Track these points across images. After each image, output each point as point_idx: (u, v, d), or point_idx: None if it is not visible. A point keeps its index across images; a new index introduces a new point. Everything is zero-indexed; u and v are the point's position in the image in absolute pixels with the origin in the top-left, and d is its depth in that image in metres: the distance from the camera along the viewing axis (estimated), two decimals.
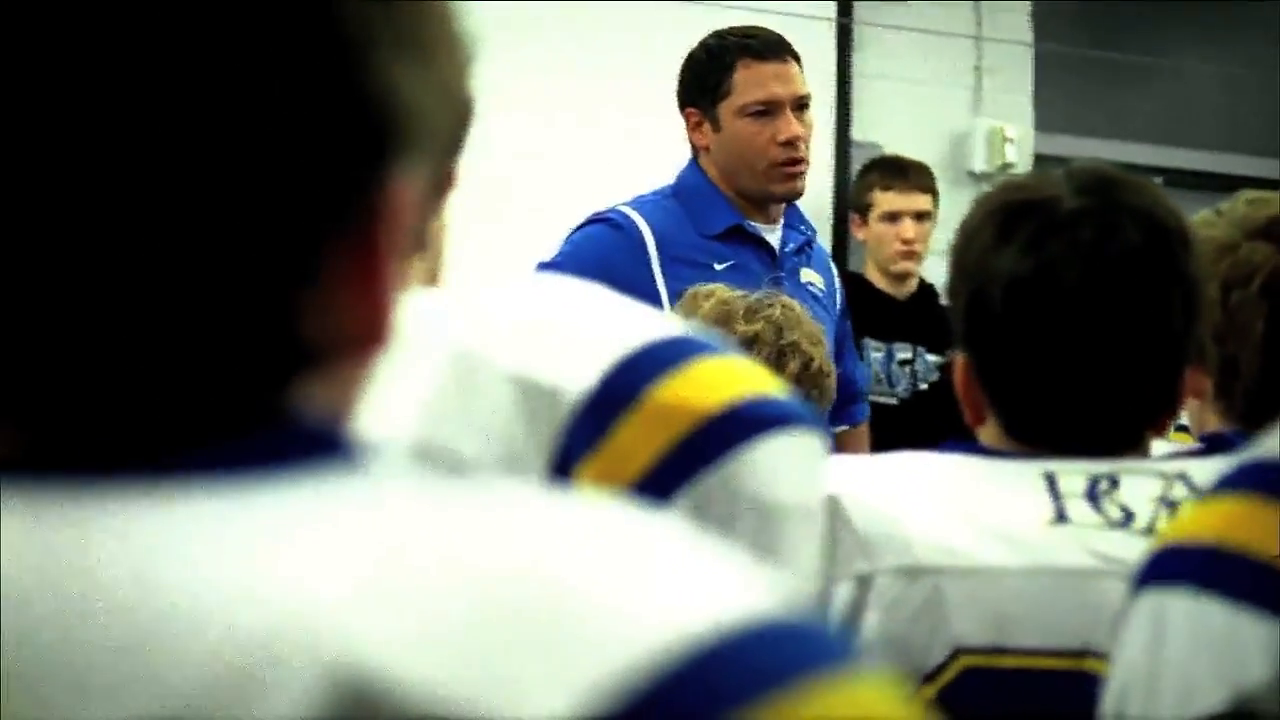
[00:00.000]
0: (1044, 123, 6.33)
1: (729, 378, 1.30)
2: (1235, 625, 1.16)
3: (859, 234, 5.23)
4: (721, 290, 2.88)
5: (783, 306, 2.82)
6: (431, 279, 1.40)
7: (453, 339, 1.28)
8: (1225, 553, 1.19)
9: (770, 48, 3.72)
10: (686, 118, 3.74)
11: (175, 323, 0.66)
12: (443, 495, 0.68)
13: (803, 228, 3.83)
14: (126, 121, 0.65)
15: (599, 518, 0.68)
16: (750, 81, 3.67)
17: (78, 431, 0.66)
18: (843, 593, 1.62)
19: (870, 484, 1.66)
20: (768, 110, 3.67)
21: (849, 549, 1.61)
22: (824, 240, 5.70)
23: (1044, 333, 1.67)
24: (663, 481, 1.25)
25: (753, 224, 3.71)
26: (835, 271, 4.00)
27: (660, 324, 1.33)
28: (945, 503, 1.64)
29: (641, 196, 3.71)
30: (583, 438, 1.24)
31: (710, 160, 3.71)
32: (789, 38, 3.82)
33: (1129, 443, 1.71)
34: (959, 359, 1.76)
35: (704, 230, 3.65)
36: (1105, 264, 1.66)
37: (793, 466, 1.30)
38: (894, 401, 4.96)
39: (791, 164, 3.68)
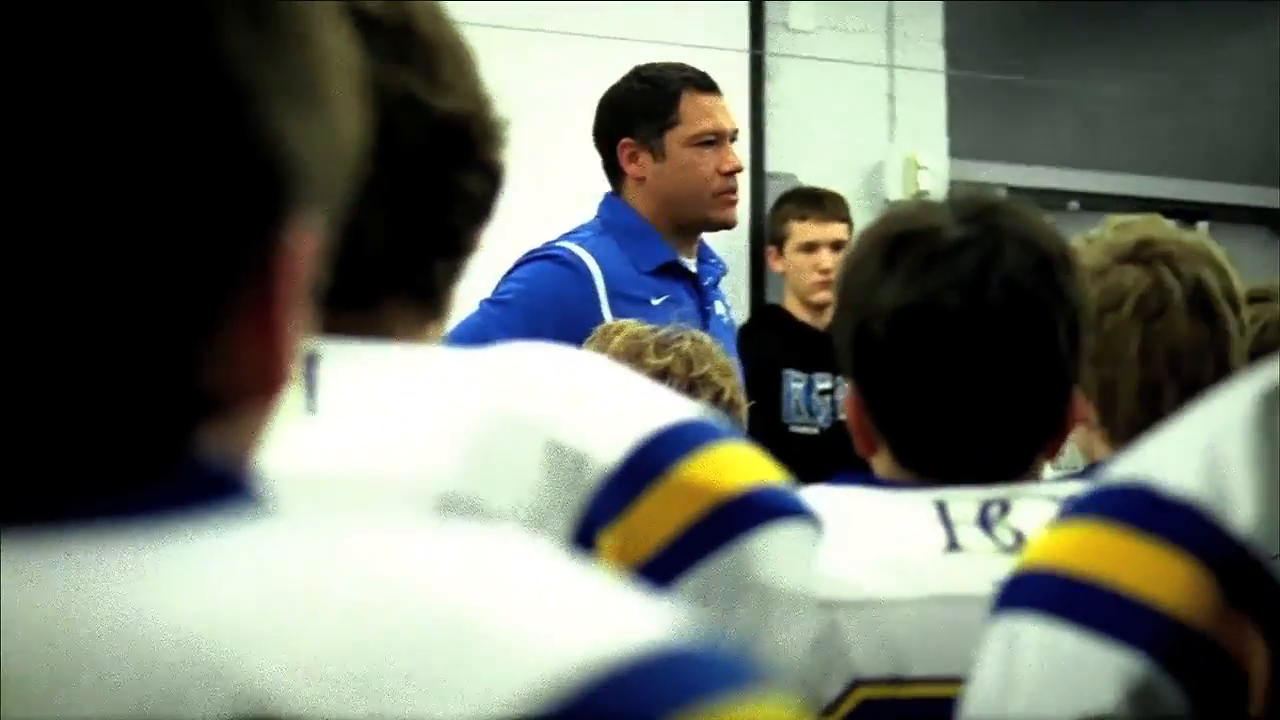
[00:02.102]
0: (958, 149, 6.35)
1: (745, 464, 1.39)
2: (1083, 651, 1.16)
3: (776, 266, 5.25)
4: (632, 325, 2.89)
5: (692, 340, 2.83)
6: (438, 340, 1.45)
7: (489, 397, 1.32)
8: (1072, 579, 1.19)
9: (708, 81, 3.82)
10: (620, 149, 3.75)
11: (77, 376, 0.67)
12: (345, 532, 0.69)
13: (713, 261, 3.87)
14: (18, 177, 0.65)
15: (500, 550, 0.69)
16: (698, 112, 3.76)
17: None
18: None
19: None
20: (714, 140, 3.76)
21: None
22: (741, 273, 5.73)
23: (929, 363, 1.68)
24: (680, 555, 1.33)
25: (683, 259, 3.75)
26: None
27: (683, 405, 1.40)
28: (839, 536, 1.64)
29: (576, 233, 3.72)
30: (608, 506, 1.30)
31: (645, 191, 3.74)
32: (702, 70, 3.88)
33: (1020, 468, 1.71)
34: (849, 390, 1.76)
35: (641, 266, 3.68)
36: (988, 291, 1.66)
37: (796, 556, 1.40)
38: (815, 431, 4.97)
39: (730, 193, 3.78)
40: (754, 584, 1.37)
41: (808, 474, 1.84)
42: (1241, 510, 1.14)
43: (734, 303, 5.08)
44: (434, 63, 1.36)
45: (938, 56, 6.36)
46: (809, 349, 4.99)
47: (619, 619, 0.67)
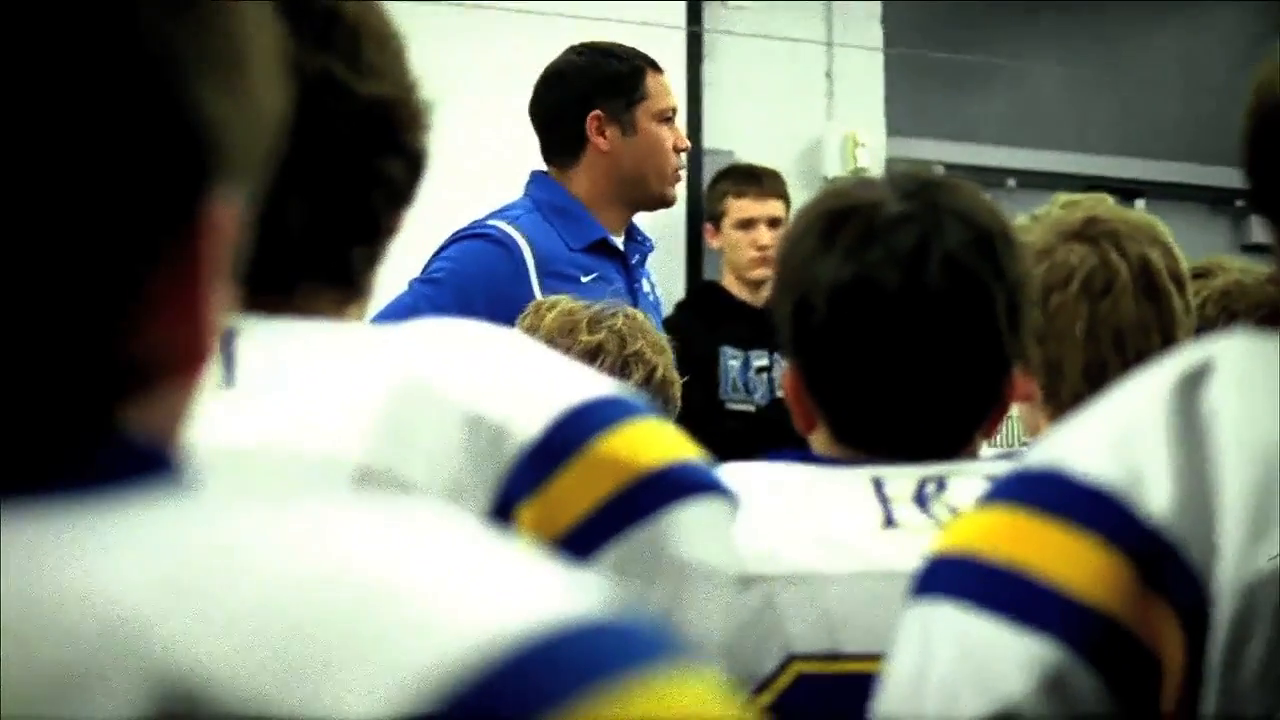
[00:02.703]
0: (896, 127, 6.34)
1: (662, 440, 1.39)
2: (996, 638, 1.16)
3: (713, 242, 5.24)
4: (565, 301, 2.88)
5: (625, 316, 2.83)
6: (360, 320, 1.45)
7: (407, 371, 1.32)
8: (987, 565, 1.18)
9: (654, 61, 3.84)
10: (589, 121, 3.73)
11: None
12: (266, 507, 0.69)
13: (640, 239, 3.87)
14: None
15: (417, 525, 0.69)
16: (660, 88, 3.80)
17: None
18: None
19: None
20: (671, 118, 3.80)
21: None
22: (678, 250, 5.72)
23: (868, 339, 1.67)
24: (596, 530, 1.34)
25: (613, 238, 3.75)
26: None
27: (602, 381, 1.41)
28: (776, 511, 1.64)
29: (506, 211, 3.70)
30: (526, 480, 1.31)
31: (607, 163, 3.73)
32: (639, 46, 3.87)
33: (957, 445, 1.71)
34: (787, 367, 1.76)
35: (571, 244, 3.67)
36: (927, 268, 1.65)
37: (713, 533, 1.40)
38: (752, 409, 4.97)
39: (681, 170, 3.82)
40: (670, 559, 1.36)
41: (744, 452, 1.83)
42: (1157, 496, 1.13)
43: (670, 280, 5.07)
44: (358, 47, 1.36)
45: (876, 34, 6.35)
46: (746, 326, 4.99)
47: (537, 592, 0.67)
